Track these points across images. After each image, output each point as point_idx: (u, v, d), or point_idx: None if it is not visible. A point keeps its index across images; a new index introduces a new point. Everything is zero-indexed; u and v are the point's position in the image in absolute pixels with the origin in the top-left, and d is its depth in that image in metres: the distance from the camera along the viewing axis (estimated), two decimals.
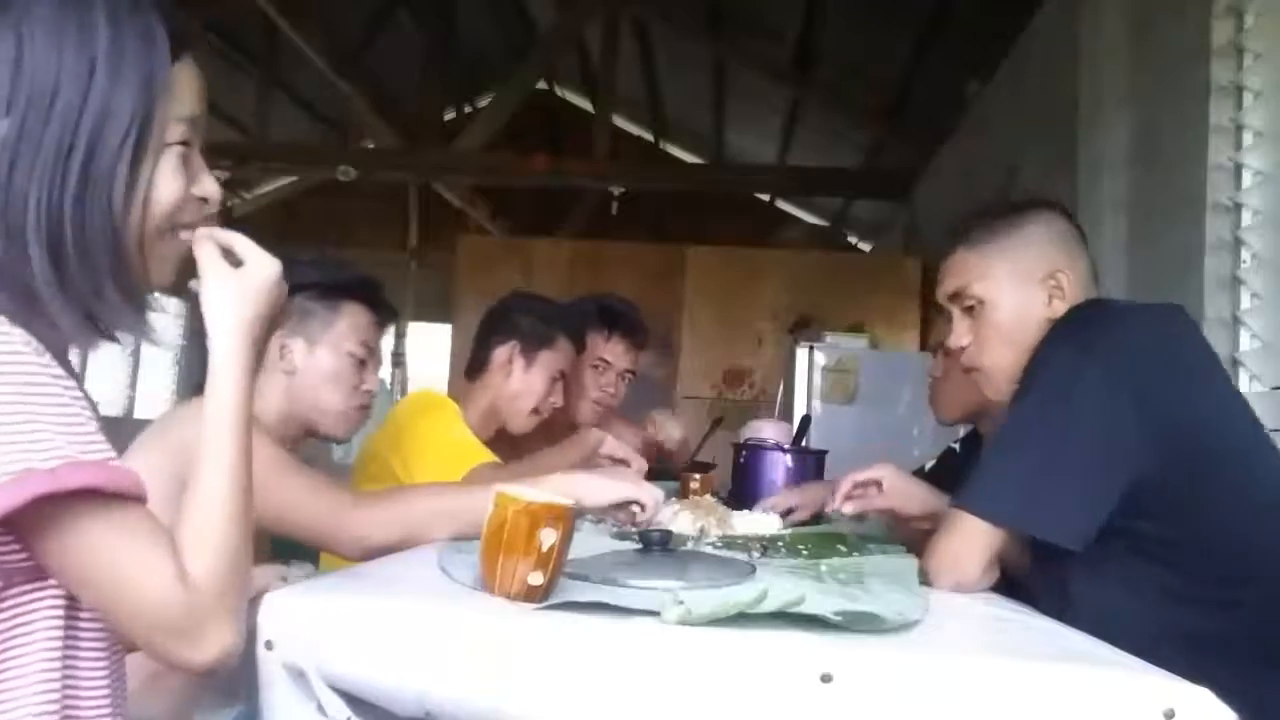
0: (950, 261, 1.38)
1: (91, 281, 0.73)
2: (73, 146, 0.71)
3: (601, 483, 1.31)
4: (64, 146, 0.71)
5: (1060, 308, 1.30)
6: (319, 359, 1.51)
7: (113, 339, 0.77)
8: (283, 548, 1.47)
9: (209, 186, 0.81)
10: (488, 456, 1.88)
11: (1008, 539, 1.17)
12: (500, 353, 2.03)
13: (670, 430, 2.29)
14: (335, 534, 1.29)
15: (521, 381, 2.01)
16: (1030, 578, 1.22)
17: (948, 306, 1.39)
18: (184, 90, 0.77)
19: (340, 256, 1.67)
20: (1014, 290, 1.31)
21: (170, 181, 0.77)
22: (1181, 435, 1.13)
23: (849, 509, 1.45)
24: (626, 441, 2.41)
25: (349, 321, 1.53)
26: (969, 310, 1.35)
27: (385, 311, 1.61)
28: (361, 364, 1.55)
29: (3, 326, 0.68)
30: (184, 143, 0.78)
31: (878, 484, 1.44)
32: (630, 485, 1.32)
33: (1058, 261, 1.31)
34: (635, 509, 1.32)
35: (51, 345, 0.71)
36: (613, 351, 2.25)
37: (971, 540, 1.16)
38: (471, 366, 2.10)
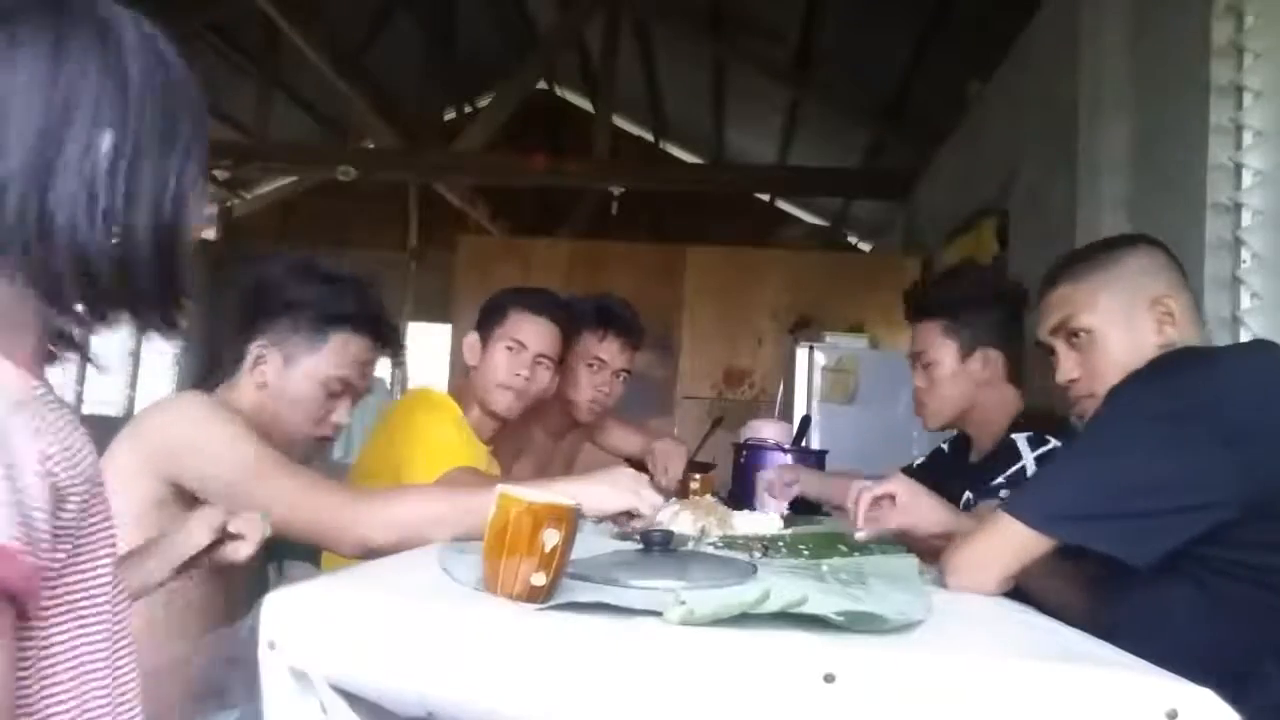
0: (1052, 296, 1.38)
1: (180, 284, 0.77)
2: (167, 169, 0.75)
3: (603, 491, 1.30)
4: (162, 169, 0.75)
5: (1172, 334, 1.28)
6: (290, 381, 1.44)
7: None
8: (281, 547, 1.46)
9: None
10: (476, 458, 1.88)
11: (1042, 557, 1.14)
12: (465, 343, 2.06)
13: (673, 470, 2.18)
14: (335, 533, 1.28)
15: (481, 362, 2.02)
16: (1054, 597, 1.20)
17: (1050, 341, 1.38)
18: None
19: (352, 280, 1.53)
20: (1122, 318, 1.31)
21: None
22: (1275, 479, 1.10)
23: (865, 535, 1.40)
24: (623, 442, 2.42)
25: (334, 350, 1.46)
26: (1075, 344, 1.35)
27: (382, 346, 1.53)
28: (334, 396, 1.47)
29: None
30: None
31: (892, 498, 1.40)
32: (631, 495, 1.31)
33: (1162, 289, 1.30)
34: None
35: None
36: (607, 350, 2.25)
37: (1006, 545, 1.14)
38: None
